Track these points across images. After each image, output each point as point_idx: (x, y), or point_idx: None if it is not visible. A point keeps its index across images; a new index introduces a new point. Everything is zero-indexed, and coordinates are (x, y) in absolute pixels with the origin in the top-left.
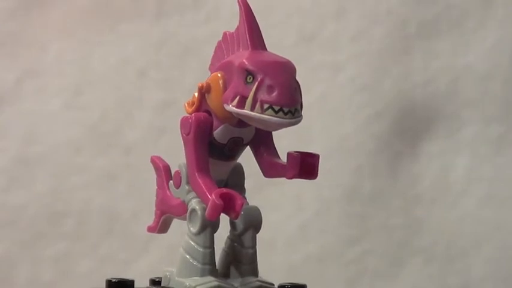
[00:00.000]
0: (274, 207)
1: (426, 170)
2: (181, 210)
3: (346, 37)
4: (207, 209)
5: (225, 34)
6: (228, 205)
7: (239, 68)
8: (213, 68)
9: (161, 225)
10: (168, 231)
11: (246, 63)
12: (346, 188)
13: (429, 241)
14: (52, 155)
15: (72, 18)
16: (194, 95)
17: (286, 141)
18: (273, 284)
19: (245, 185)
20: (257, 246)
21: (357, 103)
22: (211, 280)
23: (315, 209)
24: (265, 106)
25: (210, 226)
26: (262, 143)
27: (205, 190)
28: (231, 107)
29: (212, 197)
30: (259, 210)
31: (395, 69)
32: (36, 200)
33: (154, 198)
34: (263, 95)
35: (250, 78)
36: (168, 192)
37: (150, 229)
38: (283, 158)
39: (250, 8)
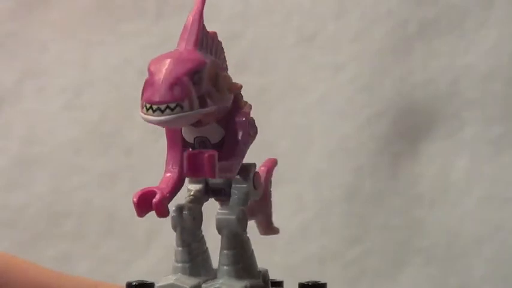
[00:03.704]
0: (274, 207)
1: (426, 170)
2: None
3: (346, 37)
4: None
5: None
6: (144, 204)
7: None
8: None
9: None
10: (167, 231)
11: (149, 63)
12: (346, 188)
13: (429, 241)
14: (52, 155)
15: (72, 18)
16: None
17: (286, 141)
18: None
19: None
20: (257, 246)
21: (357, 103)
22: (170, 278)
23: (315, 209)
24: (145, 105)
25: (179, 225)
26: (226, 145)
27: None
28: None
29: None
30: (233, 212)
31: (396, 69)
32: (36, 200)
33: None
34: (144, 95)
35: None
36: None
37: None
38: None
39: (200, 6)
